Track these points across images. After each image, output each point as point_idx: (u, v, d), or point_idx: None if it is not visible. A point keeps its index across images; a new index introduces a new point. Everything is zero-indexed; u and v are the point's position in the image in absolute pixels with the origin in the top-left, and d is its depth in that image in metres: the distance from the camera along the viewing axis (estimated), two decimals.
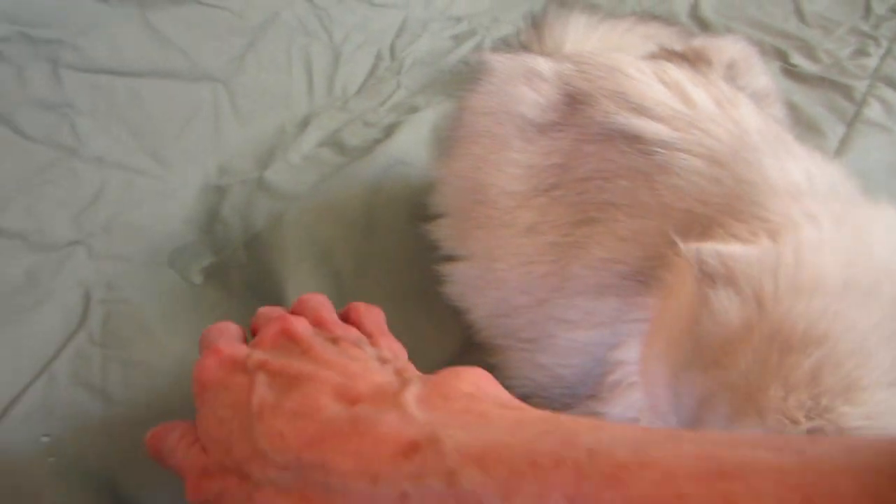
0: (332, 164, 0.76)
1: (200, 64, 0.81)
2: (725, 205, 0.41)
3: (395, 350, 0.40)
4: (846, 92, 0.89)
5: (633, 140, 0.46)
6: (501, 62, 0.58)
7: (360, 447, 0.26)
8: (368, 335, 0.40)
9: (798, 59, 0.98)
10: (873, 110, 0.86)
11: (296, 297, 0.56)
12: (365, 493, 0.26)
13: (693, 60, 0.60)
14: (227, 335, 0.38)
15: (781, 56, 0.99)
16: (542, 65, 0.56)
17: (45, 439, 0.47)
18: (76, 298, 0.58)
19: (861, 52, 0.99)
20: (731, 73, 0.60)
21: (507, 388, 0.50)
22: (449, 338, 0.58)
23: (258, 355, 0.33)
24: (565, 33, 0.86)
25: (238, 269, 0.64)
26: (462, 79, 0.94)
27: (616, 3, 1.25)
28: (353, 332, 0.38)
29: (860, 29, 1.05)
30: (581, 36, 0.86)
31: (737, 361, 0.29)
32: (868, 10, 1.11)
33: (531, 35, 0.90)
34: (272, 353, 0.33)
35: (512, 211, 0.50)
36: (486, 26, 1.13)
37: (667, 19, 1.03)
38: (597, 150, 0.48)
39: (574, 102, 0.52)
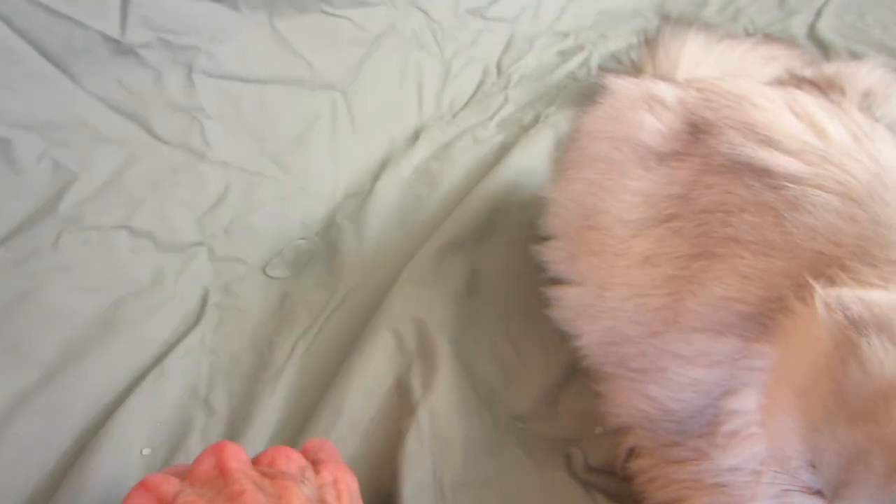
0: (443, 178, 0.78)
1: (321, 73, 0.85)
2: (859, 247, 0.39)
3: (344, 482, 0.37)
4: None
5: (761, 174, 0.45)
6: (623, 86, 0.58)
7: None
8: (318, 462, 0.37)
9: None
10: None
11: (403, 311, 0.59)
12: None
13: (825, 88, 0.58)
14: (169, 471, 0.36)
15: None
16: (665, 91, 0.55)
17: (145, 452, 0.49)
18: (195, 300, 0.62)
19: None
20: (868, 103, 0.57)
21: (613, 417, 0.50)
22: (554, 361, 0.57)
23: (185, 496, 0.32)
24: (681, 53, 0.84)
25: (347, 278, 0.66)
26: (574, 95, 0.94)
27: (728, 21, 1.21)
28: (294, 466, 0.36)
29: None
30: (698, 56, 0.84)
31: (894, 415, 0.27)
32: None
33: (644, 53, 0.88)
34: (200, 492, 0.33)
35: (627, 240, 0.49)
36: (593, 42, 1.12)
37: (789, 41, 1.00)
38: (720, 182, 0.47)
39: (697, 132, 0.51)
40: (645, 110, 0.54)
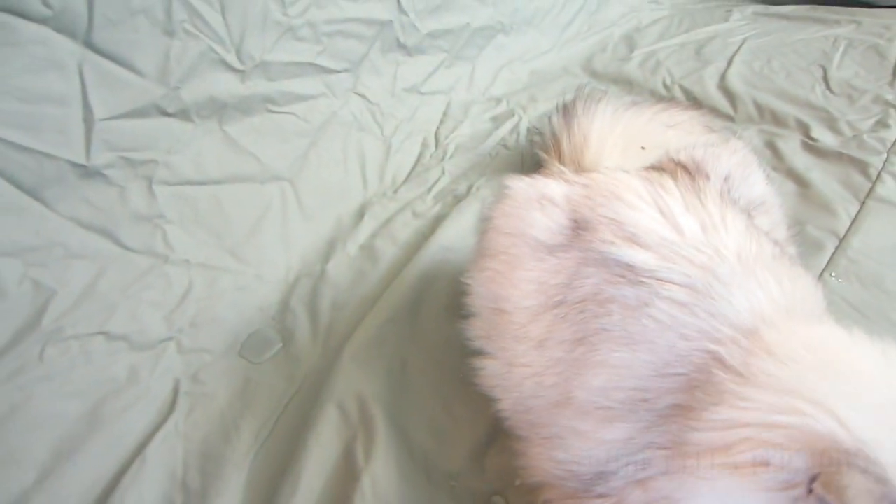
0: (385, 254, 0.87)
1: (269, 166, 0.94)
2: (699, 345, 0.49)
3: None
4: (862, 168, 0.94)
5: (626, 268, 0.54)
6: (520, 186, 0.67)
7: None
8: None
9: (819, 132, 1.03)
10: (887, 187, 0.90)
11: (346, 387, 0.67)
12: None
13: (694, 173, 0.68)
14: None
15: (803, 129, 1.05)
16: (555, 190, 0.65)
17: None
18: (167, 391, 0.70)
19: (882, 124, 1.03)
20: (727, 186, 0.67)
21: (529, 473, 0.59)
22: (481, 422, 0.66)
23: None
24: (592, 123, 0.94)
25: (302, 357, 0.75)
26: (503, 164, 1.04)
27: (649, 73, 1.32)
28: None
29: (884, 98, 1.09)
30: (607, 125, 0.93)
31: None
32: (895, 77, 1.15)
33: (561, 124, 0.98)
34: None
35: (526, 324, 0.59)
36: (523, 106, 1.22)
37: (690, 102, 1.11)
38: (595, 274, 0.56)
39: (578, 227, 0.60)
40: (536, 209, 0.64)
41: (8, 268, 0.70)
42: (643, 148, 0.92)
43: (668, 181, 0.64)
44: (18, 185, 0.73)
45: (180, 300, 0.79)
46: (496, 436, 0.66)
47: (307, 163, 0.98)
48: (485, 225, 0.71)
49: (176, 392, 0.70)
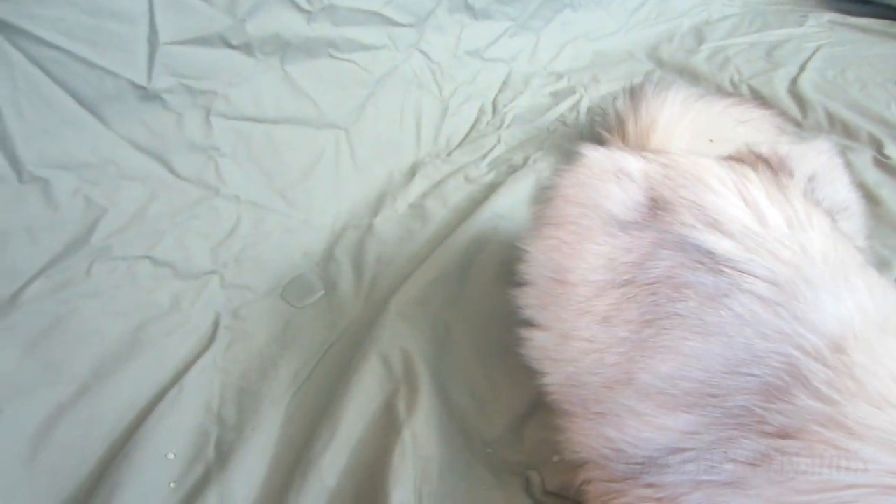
0: (435, 215, 0.85)
1: (327, 112, 0.92)
2: (779, 348, 0.46)
3: None
4: None
5: (706, 255, 0.52)
6: (596, 157, 0.65)
7: None
8: None
9: (893, 150, 0.99)
10: None
11: (392, 340, 0.66)
12: None
13: (777, 169, 0.65)
14: None
15: (876, 145, 1.01)
16: (633, 165, 0.62)
17: (170, 456, 0.57)
18: (208, 323, 0.70)
19: None
20: (812, 186, 0.64)
21: (572, 450, 0.58)
22: (522, 394, 0.65)
23: None
24: (661, 110, 0.91)
25: (344, 306, 0.73)
26: (561, 140, 1.01)
27: (716, 69, 1.28)
28: None
29: None
30: (676, 113, 0.91)
31: None
32: None
33: (628, 106, 0.95)
34: None
35: (590, 298, 0.57)
36: (584, 85, 1.19)
37: (762, 101, 1.07)
38: (671, 258, 0.54)
39: (656, 207, 0.58)
40: (613, 182, 0.61)
41: (62, 181, 0.69)
42: (711, 141, 0.90)
43: (749, 172, 0.62)
44: (79, 100, 0.72)
45: (227, 235, 0.77)
46: (536, 409, 0.64)
47: (364, 114, 0.96)
48: (550, 192, 0.69)
49: (216, 325, 0.69)
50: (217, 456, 0.56)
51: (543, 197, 0.71)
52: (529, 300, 0.66)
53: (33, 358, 0.61)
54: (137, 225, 0.72)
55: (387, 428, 0.58)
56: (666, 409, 0.50)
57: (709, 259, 0.52)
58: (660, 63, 1.34)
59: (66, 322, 0.64)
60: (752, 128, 0.93)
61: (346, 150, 0.92)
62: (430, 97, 1.05)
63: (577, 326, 0.58)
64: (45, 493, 0.53)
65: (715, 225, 0.54)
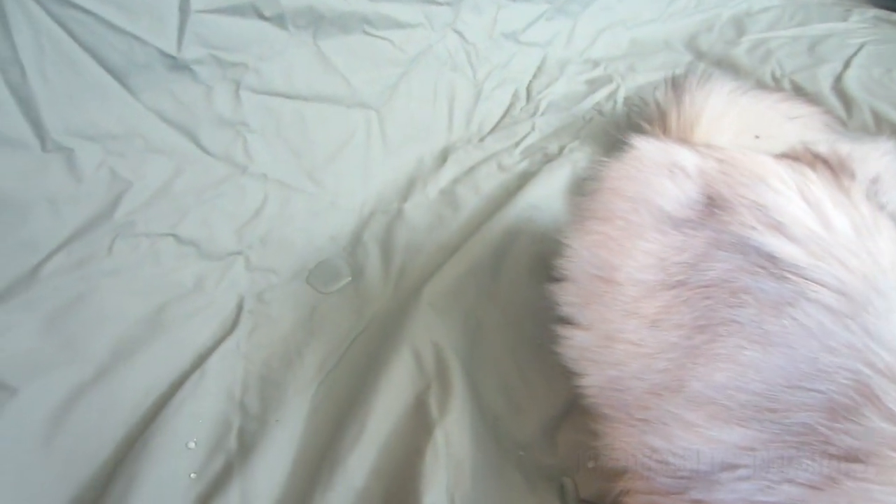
0: (467, 202, 0.82)
1: (359, 91, 0.89)
2: (848, 364, 0.43)
3: None
4: None
5: (768, 259, 0.49)
6: (648, 148, 0.61)
7: None
8: None
9: None
10: None
11: (423, 333, 0.63)
12: None
13: (837, 170, 0.62)
14: None
15: None
16: (687, 159, 0.59)
17: (191, 445, 0.54)
18: (231, 306, 0.67)
19: None
20: (875, 188, 0.60)
21: (610, 457, 0.55)
22: (557, 395, 0.62)
23: None
24: (706, 102, 0.87)
25: (371, 294, 0.71)
26: (597, 130, 0.98)
27: (757, 62, 1.24)
28: None
29: None
30: (721, 105, 0.87)
31: None
32: None
33: (670, 97, 0.91)
34: None
35: (638, 299, 0.53)
36: (621, 74, 1.15)
37: (811, 99, 1.02)
38: (728, 260, 0.50)
39: (713, 205, 0.54)
40: (666, 176, 0.58)
41: (88, 151, 0.66)
42: (757, 137, 0.86)
43: (808, 171, 0.58)
44: (106, 67, 0.69)
45: (253, 215, 0.75)
46: (571, 411, 0.61)
47: (396, 94, 0.93)
48: (595, 184, 0.66)
49: (240, 308, 0.67)
50: (239, 447, 0.54)
51: (586, 189, 0.68)
52: (569, 297, 0.62)
53: (51, 336, 0.58)
54: (162, 201, 0.70)
55: (418, 426, 0.55)
56: (719, 420, 0.47)
57: (771, 264, 0.48)
58: (699, 54, 1.29)
59: (86, 300, 0.61)
60: (801, 125, 0.89)
61: (377, 130, 0.89)
62: (463, 80, 1.01)
63: (623, 328, 0.55)
64: (59, 477, 0.51)
65: (777, 227, 0.50)
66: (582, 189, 0.70)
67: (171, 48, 0.72)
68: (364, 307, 0.69)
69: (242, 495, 0.50)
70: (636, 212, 0.58)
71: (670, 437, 0.49)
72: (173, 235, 0.69)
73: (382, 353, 0.62)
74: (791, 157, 0.65)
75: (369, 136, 0.88)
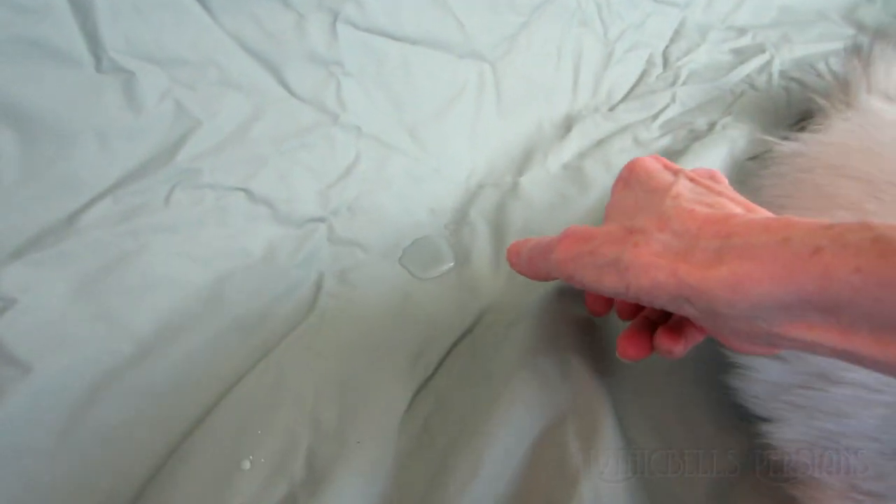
0: (597, 181, 0.66)
1: (473, 38, 0.74)
2: None
3: None
4: None
5: None
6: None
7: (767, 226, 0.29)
8: None
9: None
10: None
11: (550, 345, 0.48)
12: (770, 248, 0.27)
13: None
14: None
15: None
16: None
17: (246, 465, 0.40)
18: (308, 285, 0.53)
19: None
20: None
21: None
22: (730, 444, 0.45)
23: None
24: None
25: (479, 286, 0.56)
26: (752, 107, 0.80)
27: None
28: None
29: None
30: None
31: None
32: None
33: (854, 66, 0.73)
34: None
35: None
36: (774, 44, 0.96)
37: None
38: None
39: None
40: None
41: (151, 77, 0.53)
42: None
43: None
44: None
45: (343, 174, 0.61)
46: (751, 468, 0.45)
47: (515, 46, 0.77)
48: (796, 160, 0.50)
49: (318, 288, 0.53)
50: (308, 474, 0.40)
51: (774, 170, 0.52)
52: None
53: (86, 302, 0.46)
54: (235, 147, 0.56)
55: (554, 473, 0.40)
56: None
57: None
58: (860, 27, 1.09)
59: (130, 260, 0.48)
60: None
61: (491, 87, 0.74)
62: (592, 37, 0.85)
63: (847, 365, 0.39)
64: (74, 485, 0.39)
65: None
66: (764, 170, 0.54)
67: None
68: (470, 301, 0.54)
69: None
70: (876, 198, 0.42)
71: None
72: (245, 191, 0.55)
73: (495, 365, 0.47)
74: None
75: (481, 92, 0.73)
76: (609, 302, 0.46)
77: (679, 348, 0.39)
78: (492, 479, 0.39)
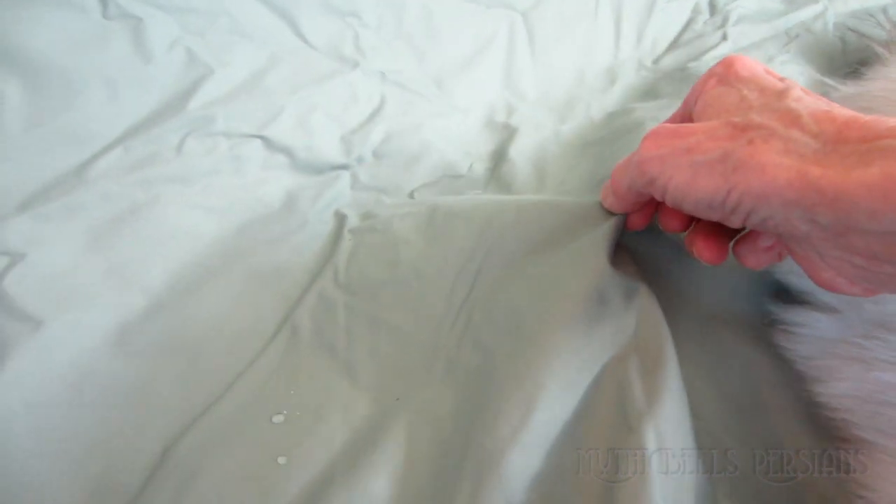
0: (645, 127, 0.61)
1: None
2: None
3: None
4: None
5: None
6: None
7: None
8: None
9: None
10: None
11: (603, 275, 0.42)
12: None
13: None
14: None
15: None
16: None
17: (277, 419, 0.37)
18: (331, 235, 0.49)
19: None
20: None
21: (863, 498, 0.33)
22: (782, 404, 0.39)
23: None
24: None
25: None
26: (809, 50, 0.74)
27: None
28: None
29: None
30: None
31: None
32: None
33: None
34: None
35: None
36: None
37: None
38: None
39: None
40: None
41: (160, 24, 0.51)
42: None
43: None
44: None
45: (367, 119, 0.57)
46: (805, 429, 0.38)
47: None
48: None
49: (340, 237, 0.49)
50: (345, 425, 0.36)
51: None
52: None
53: (96, 254, 0.43)
54: (249, 94, 0.53)
55: (612, 417, 0.34)
56: None
57: None
58: None
59: (142, 212, 0.45)
60: None
61: (524, 37, 0.69)
62: None
63: None
64: (89, 441, 0.36)
65: None
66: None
67: None
68: None
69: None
70: None
71: None
72: (261, 138, 0.52)
73: (547, 300, 0.42)
74: None
75: (513, 42, 0.69)
76: (688, 216, 0.39)
77: (758, 258, 0.34)
78: (543, 429, 0.34)
